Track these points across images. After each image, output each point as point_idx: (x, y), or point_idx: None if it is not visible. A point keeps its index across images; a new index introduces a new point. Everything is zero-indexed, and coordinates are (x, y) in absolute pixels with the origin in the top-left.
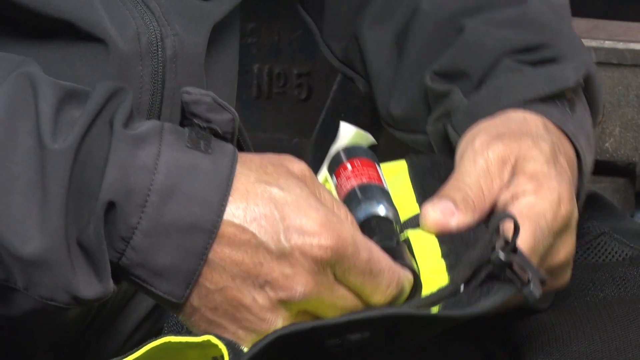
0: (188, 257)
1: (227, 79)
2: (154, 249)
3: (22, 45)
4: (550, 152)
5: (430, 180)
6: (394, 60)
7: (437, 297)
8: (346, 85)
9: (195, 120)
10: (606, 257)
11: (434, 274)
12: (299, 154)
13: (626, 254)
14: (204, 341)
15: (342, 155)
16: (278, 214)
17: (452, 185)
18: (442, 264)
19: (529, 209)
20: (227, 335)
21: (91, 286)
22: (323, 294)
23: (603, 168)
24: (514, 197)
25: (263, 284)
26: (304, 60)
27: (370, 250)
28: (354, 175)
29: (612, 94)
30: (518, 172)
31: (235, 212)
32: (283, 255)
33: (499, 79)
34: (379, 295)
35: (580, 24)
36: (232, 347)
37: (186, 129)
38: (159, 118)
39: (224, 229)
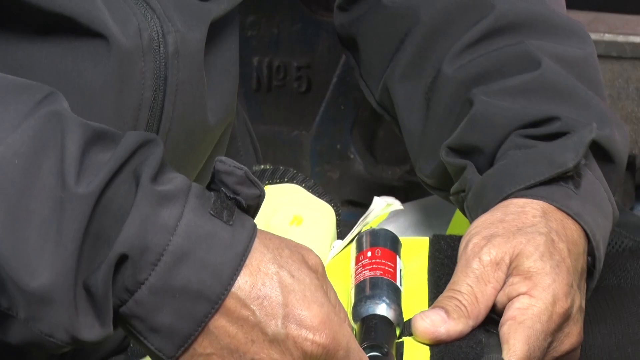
0: (187, 322)
1: (228, 74)
2: (157, 307)
3: (24, 41)
4: (545, 245)
5: (446, 267)
6: (423, 118)
7: None
8: (346, 77)
9: (223, 189)
10: (606, 248)
11: None
12: (298, 147)
13: (626, 245)
14: None
15: (365, 240)
16: (282, 299)
17: (446, 295)
18: None
19: (522, 313)
20: None
21: (92, 329)
22: None
23: None
24: (509, 298)
25: None
26: (304, 53)
27: None
28: (370, 266)
29: (611, 87)
30: (513, 271)
31: (242, 285)
32: (276, 340)
33: (505, 160)
34: None
35: (580, 17)
36: None
37: (212, 195)
38: (161, 114)
39: (227, 300)
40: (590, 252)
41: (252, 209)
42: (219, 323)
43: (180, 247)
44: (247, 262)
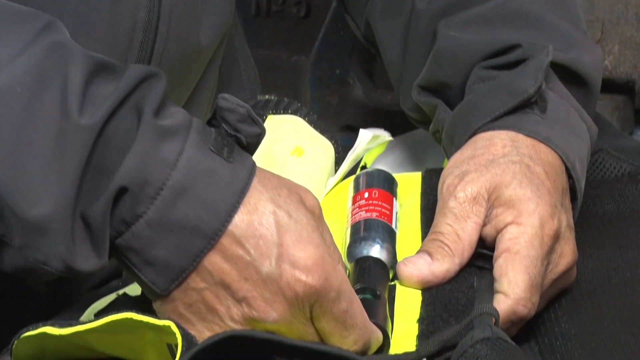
0: (182, 257)
1: None
2: (153, 240)
3: None
4: (521, 171)
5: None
6: (402, 53)
7: None
8: None
9: (224, 126)
10: (604, 173)
11: (404, 337)
12: (297, 72)
13: (625, 170)
14: (163, 326)
15: (362, 181)
16: (278, 238)
17: (428, 239)
18: (414, 328)
19: (514, 243)
20: (192, 331)
21: (88, 260)
22: (295, 326)
23: (602, 86)
24: (497, 231)
25: (241, 298)
26: None
27: (351, 303)
28: (366, 207)
29: (611, 12)
30: (494, 203)
31: (238, 223)
32: (269, 279)
33: (470, 95)
34: (344, 347)
35: None
36: (188, 338)
37: (213, 131)
38: (155, 36)
39: (223, 237)
40: (569, 174)
41: (251, 147)
42: (214, 259)
43: (179, 182)
44: (245, 200)
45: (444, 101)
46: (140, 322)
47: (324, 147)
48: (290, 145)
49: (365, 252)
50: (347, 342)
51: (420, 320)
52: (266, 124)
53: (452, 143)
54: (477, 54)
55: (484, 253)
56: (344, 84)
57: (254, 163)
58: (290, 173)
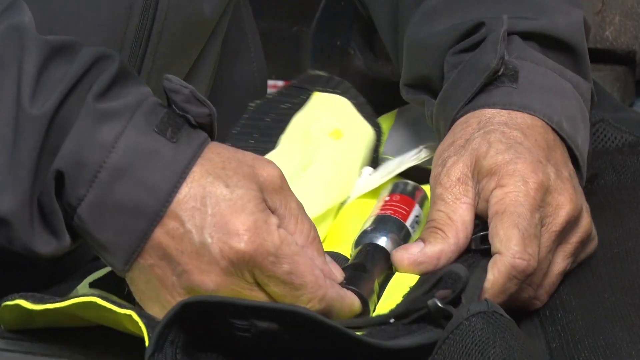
0: (129, 238)
1: None
2: (97, 223)
3: None
4: (497, 139)
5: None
6: (394, 21)
7: (365, 321)
8: None
9: (173, 107)
10: (605, 143)
11: (386, 310)
12: (298, 43)
13: (625, 140)
14: (124, 314)
15: (390, 188)
16: (211, 209)
17: (423, 230)
18: (397, 301)
19: (500, 204)
20: (155, 307)
21: (49, 244)
22: (240, 293)
23: (603, 56)
24: (486, 201)
25: (181, 272)
26: None
27: (295, 264)
28: (384, 207)
29: None
30: (478, 177)
31: (180, 200)
32: (203, 249)
33: (446, 84)
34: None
35: None
36: (151, 324)
37: (164, 112)
38: (157, 3)
39: (166, 216)
40: (560, 136)
41: (206, 127)
42: (158, 236)
43: (117, 164)
44: (188, 178)
45: (432, 94)
46: (105, 307)
47: (364, 133)
48: (330, 126)
49: (368, 241)
50: (301, 302)
51: (405, 296)
52: (310, 101)
53: (440, 135)
54: (447, 42)
55: (485, 235)
56: (344, 55)
57: (203, 141)
58: (324, 155)
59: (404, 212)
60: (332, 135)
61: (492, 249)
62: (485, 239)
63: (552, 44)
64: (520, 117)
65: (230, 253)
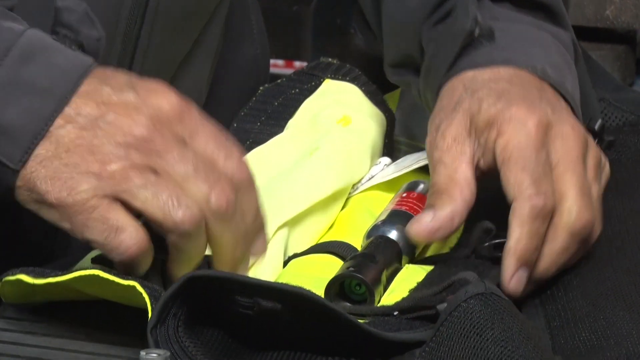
0: (34, 120)
1: None
2: (5, 101)
3: None
4: (487, 95)
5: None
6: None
7: (369, 310)
8: None
9: (65, 32)
10: (605, 122)
11: (392, 302)
12: (298, 22)
13: (626, 119)
14: (128, 285)
15: (406, 186)
16: (127, 79)
17: (428, 197)
18: (404, 294)
19: (505, 152)
20: (63, 188)
21: None
22: (166, 146)
23: (603, 35)
24: (493, 153)
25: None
26: None
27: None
28: (399, 202)
29: None
30: (476, 133)
31: (89, 83)
32: (130, 104)
33: (425, 59)
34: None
35: None
36: (155, 295)
37: (55, 38)
38: None
39: (74, 99)
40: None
41: (95, 55)
42: (61, 123)
43: (29, 45)
44: (97, 69)
45: (416, 72)
46: (107, 280)
47: (375, 120)
48: (339, 113)
49: (381, 233)
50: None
51: (412, 290)
52: (321, 88)
53: (430, 109)
54: (420, 17)
55: (499, 243)
56: (345, 34)
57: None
58: (332, 141)
59: (419, 209)
60: (341, 122)
61: (507, 197)
62: (498, 247)
63: (525, 3)
64: (504, 71)
65: (157, 102)
